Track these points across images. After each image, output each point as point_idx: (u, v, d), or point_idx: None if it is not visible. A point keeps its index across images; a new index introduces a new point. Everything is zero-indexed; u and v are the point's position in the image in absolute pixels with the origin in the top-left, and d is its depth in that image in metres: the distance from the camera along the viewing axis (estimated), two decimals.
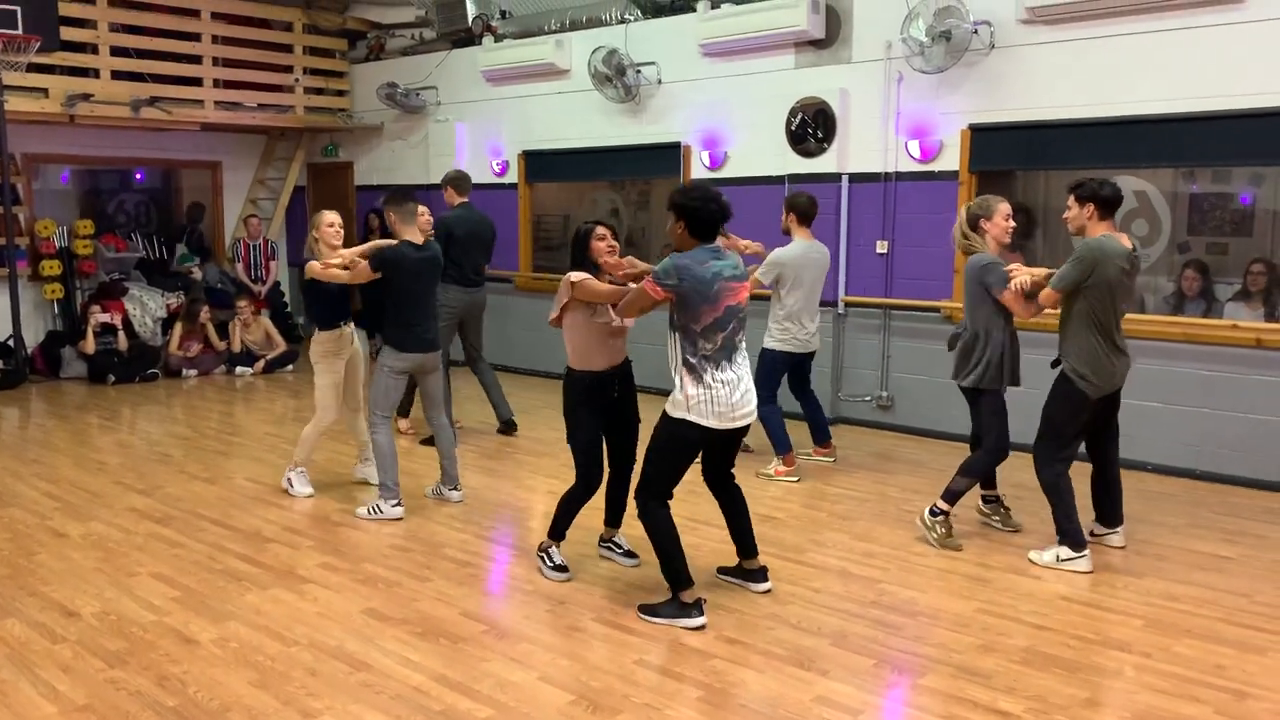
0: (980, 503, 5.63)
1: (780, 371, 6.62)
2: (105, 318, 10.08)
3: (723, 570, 4.79)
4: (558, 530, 4.82)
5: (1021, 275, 4.96)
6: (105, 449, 7.35)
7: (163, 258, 11.85)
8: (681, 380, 4.17)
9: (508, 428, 7.76)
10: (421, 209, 6.25)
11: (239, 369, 10.47)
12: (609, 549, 5.01)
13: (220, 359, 10.52)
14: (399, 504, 5.68)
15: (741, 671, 3.82)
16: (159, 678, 3.75)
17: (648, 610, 4.32)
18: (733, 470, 4.60)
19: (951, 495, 5.27)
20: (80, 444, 7.49)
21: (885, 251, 7.81)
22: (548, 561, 4.81)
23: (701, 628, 4.17)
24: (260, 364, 10.48)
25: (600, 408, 4.66)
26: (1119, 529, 5.24)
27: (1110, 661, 3.93)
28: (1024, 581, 4.76)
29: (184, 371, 10.28)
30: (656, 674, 3.79)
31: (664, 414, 4.26)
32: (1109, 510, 5.24)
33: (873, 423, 7.98)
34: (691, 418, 4.14)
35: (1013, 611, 4.39)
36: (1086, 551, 4.89)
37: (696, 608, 4.23)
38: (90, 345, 9.94)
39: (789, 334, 6.46)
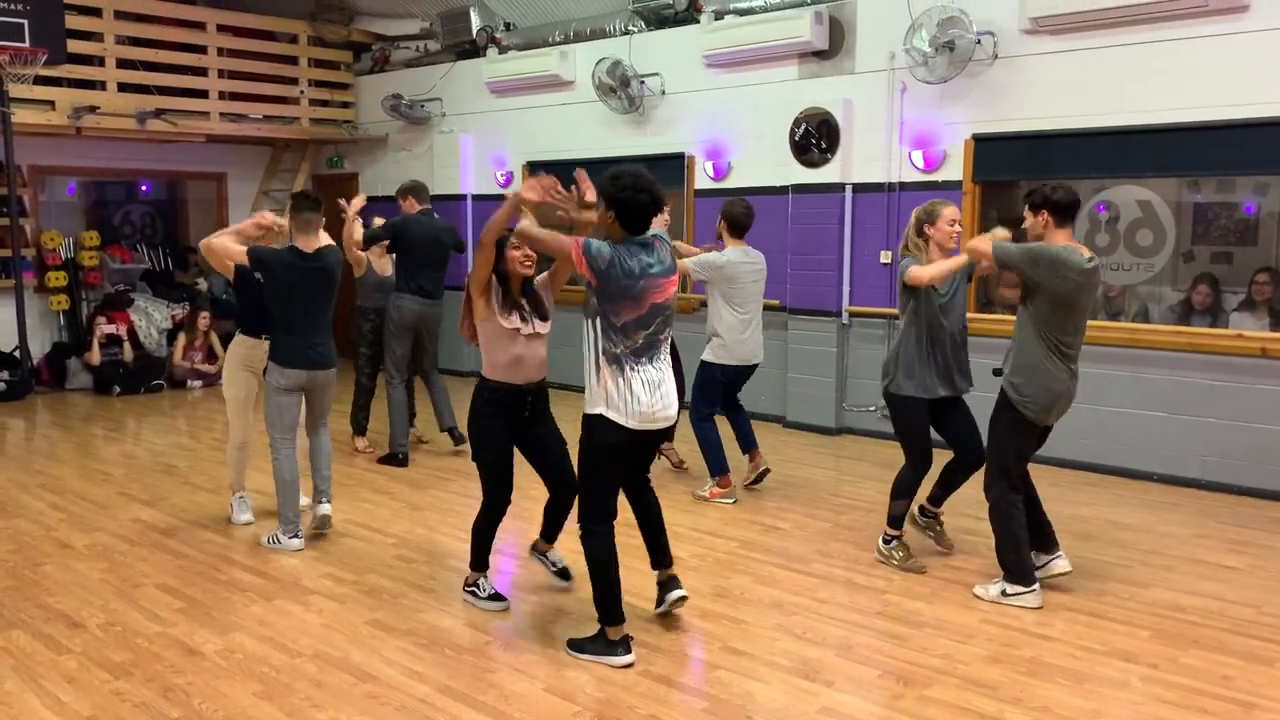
0: (917, 512, 5.36)
1: (720, 386, 6.26)
2: (111, 329, 10.12)
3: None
4: (478, 561, 4.58)
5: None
6: (110, 460, 7.36)
7: (168, 269, 11.88)
8: (599, 373, 3.89)
9: (452, 436, 7.44)
10: (269, 219, 5.76)
11: None
12: (541, 559, 4.84)
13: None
14: (298, 536, 5.31)
15: (747, 683, 3.81)
16: (164, 689, 3.74)
17: (574, 645, 4.05)
18: (648, 477, 4.37)
19: (893, 520, 5.12)
20: (85, 455, 7.50)
21: (889, 262, 7.81)
22: (479, 594, 4.55)
23: (629, 665, 3.92)
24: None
25: (510, 425, 4.38)
26: (1059, 553, 4.81)
27: (1116, 672, 3.91)
28: None
29: (189, 382, 10.30)
30: (661, 685, 3.78)
31: (583, 418, 3.97)
32: (1040, 534, 4.80)
33: (877, 433, 7.97)
34: (610, 414, 3.87)
35: (1018, 622, 4.38)
36: (1036, 586, 4.57)
37: (624, 645, 3.97)
38: (96, 356, 9.97)
39: (727, 346, 6.14)
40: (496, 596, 4.56)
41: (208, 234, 5.75)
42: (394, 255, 7.28)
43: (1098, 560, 5.16)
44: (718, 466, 6.27)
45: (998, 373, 4.67)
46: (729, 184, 8.67)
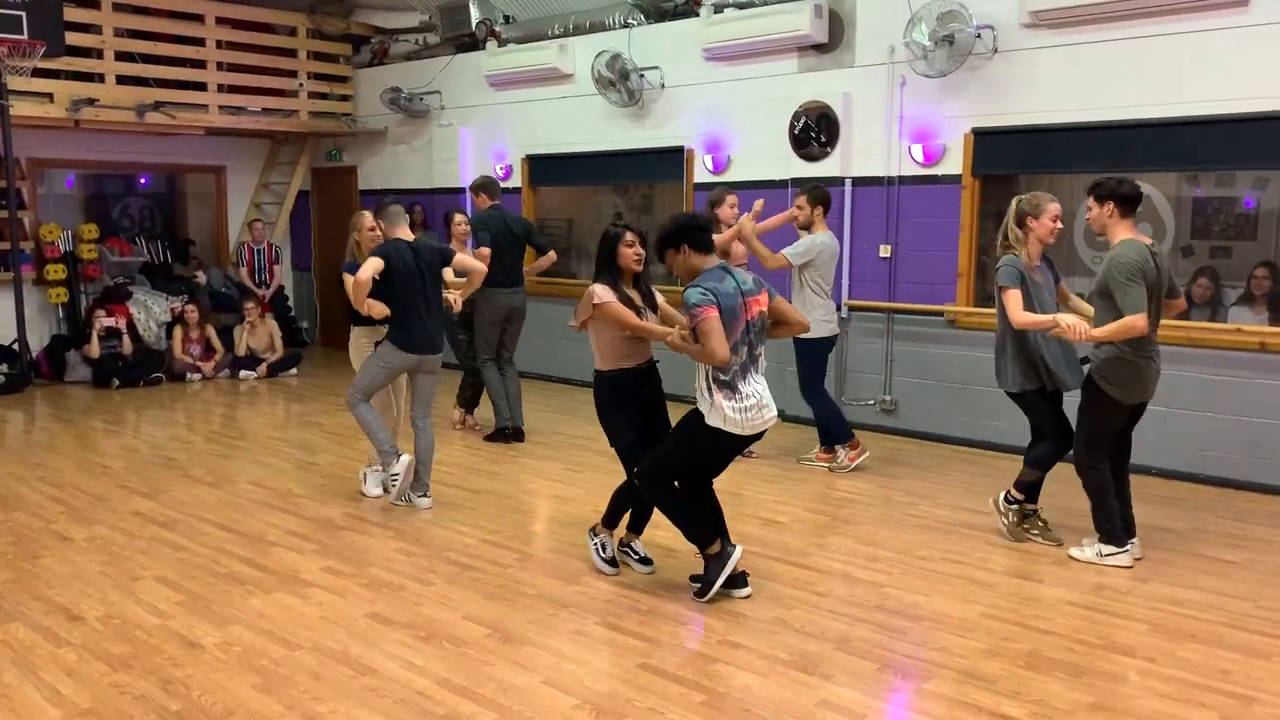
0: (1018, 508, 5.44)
1: (823, 359, 6.76)
2: (110, 322, 10.11)
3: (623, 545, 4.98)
4: (611, 519, 4.91)
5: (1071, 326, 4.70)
6: (109, 453, 7.36)
7: (167, 262, 11.87)
8: (712, 395, 4.27)
9: (515, 435, 7.68)
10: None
11: (243, 373, 10.49)
12: (626, 553, 4.98)
13: (224, 362, 10.55)
14: (399, 456, 5.73)
15: (745, 676, 3.81)
16: (163, 682, 3.75)
17: (700, 593, 4.49)
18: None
19: (1021, 485, 5.34)
20: (84, 448, 7.50)
21: (889, 255, 7.81)
22: (601, 552, 4.91)
23: (737, 565, 4.46)
24: (264, 368, 10.50)
25: (632, 407, 4.72)
26: (1134, 540, 5.08)
27: (1115, 666, 3.92)
28: (1028, 586, 4.75)
29: (188, 375, 10.30)
30: (660, 678, 3.79)
31: (697, 413, 4.35)
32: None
33: (876, 426, 7.97)
34: (726, 428, 4.27)
35: (1017, 616, 4.39)
36: (1128, 546, 4.96)
37: (730, 548, 4.45)
38: (95, 349, 9.96)
39: (823, 320, 6.56)
40: (614, 561, 4.89)
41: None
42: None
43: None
44: (844, 433, 6.73)
45: (1085, 361, 4.95)
46: (728, 177, 8.66)
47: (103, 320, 10.07)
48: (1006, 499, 5.39)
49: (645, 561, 4.94)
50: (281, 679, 3.77)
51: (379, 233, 5.99)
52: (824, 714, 3.52)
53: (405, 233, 5.83)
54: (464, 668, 3.87)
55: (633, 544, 5.00)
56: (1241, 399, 6.37)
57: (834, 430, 6.78)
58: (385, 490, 6.01)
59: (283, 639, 4.12)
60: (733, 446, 4.46)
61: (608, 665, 3.92)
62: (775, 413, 4.44)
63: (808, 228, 6.63)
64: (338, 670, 3.85)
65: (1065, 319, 4.72)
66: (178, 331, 10.45)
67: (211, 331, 10.57)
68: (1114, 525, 4.97)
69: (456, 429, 8.01)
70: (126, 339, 10.16)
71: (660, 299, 4.78)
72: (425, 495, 5.96)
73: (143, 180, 12.68)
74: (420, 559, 5.10)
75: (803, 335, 6.31)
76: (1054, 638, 4.16)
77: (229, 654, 3.99)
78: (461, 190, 10.72)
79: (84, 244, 10.61)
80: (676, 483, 4.55)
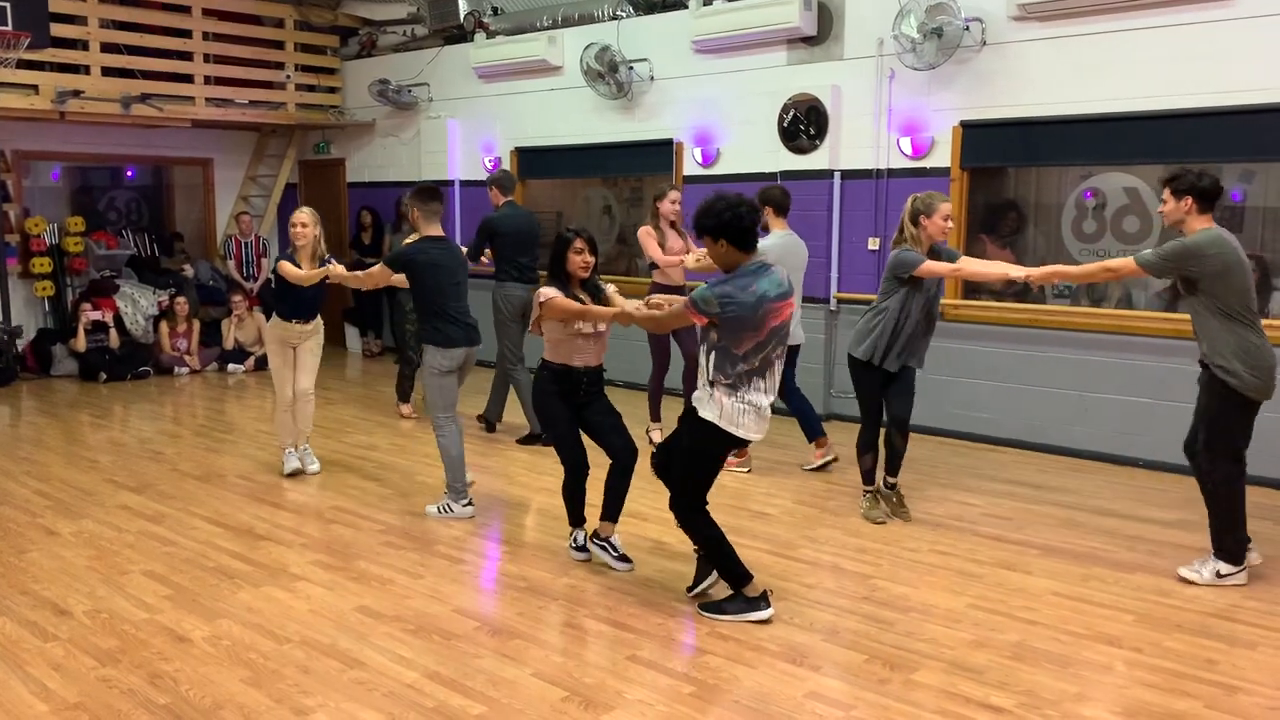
0: (880, 483, 5.72)
1: (790, 362, 6.65)
2: (97, 315, 10.06)
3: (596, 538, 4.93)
4: (575, 518, 4.98)
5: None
6: (97, 447, 7.33)
7: (154, 255, 11.82)
8: (714, 393, 4.11)
9: (489, 427, 7.72)
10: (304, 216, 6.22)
11: (231, 366, 10.46)
12: (602, 547, 4.88)
13: (211, 355, 10.52)
14: (470, 503, 5.69)
15: (734, 667, 3.82)
16: (151, 676, 3.74)
17: (711, 608, 4.31)
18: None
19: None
20: (71, 442, 7.47)
21: (877, 248, 7.82)
22: (572, 544, 5.00)
23: (769, 619, 4.22)
24: (251, 361, 10.46)
25: (569, 402, 4.80)
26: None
27: (1101, 656, 3.94)
28: (1015, 577, 4.77)
29: (176, 369, 10.26)
30: (649, 670, 3.80)
31: (692, 413, 4.19)
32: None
33: None
34: (723, 425, 4.11)
35: (1004, 607, 4.41)
36: (1245, 566, 4.68)
37: (764, 600, 4.24)
38: (81, 343, 9.92)
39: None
40: (583, 548, 4.95)
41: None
42: (490, 248, 7.55)
43: (1083, 545, 5.19)
44: (816, 429, 6.70)
45: (1204, 365, 4.73)
46: (718, 170, 8.66)
47: (89, 314, 10.02)
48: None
49: (623, 559, 4.84)
50: (270, 672, 3.77)
51: (300, 230, 6.10)
52: (812, 705, 3.53)
53: (437, 229, 5.67)
54: (453, 660, 3.87)
55: (610, 539, 4.87)
56: None
57: (810, 428, 6.73)
58: (442, 511, 5.72)
59: (271, 632, 4.12)
60: (726, 449, 4.30)
61: (597, 657, 3.92)
62: (767, 424, 4.24)
63: (765, 229, 6.49)
64: (327, 664, 3.84)
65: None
66: (164, 324, 10.42)
67: (196, 325, 10.54)
68: (1240, 542, 4.67)
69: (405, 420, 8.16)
70: (113, 332, 10.11)
71: (612, 290, 4.85)
72: (470, 503, 5.73)
73: (129, 173, 12.60)
74: (409, 552, 5.10)
75: None
76: (1041, 628, 4.19)
77: (218, 648, 3.98)
78: (450, 182, 10.69)
79: (70, 237, 10.54)
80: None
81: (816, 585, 4.67)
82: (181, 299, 10.53)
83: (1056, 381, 7.11)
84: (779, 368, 4.20)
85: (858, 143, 7.83)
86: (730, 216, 4.02)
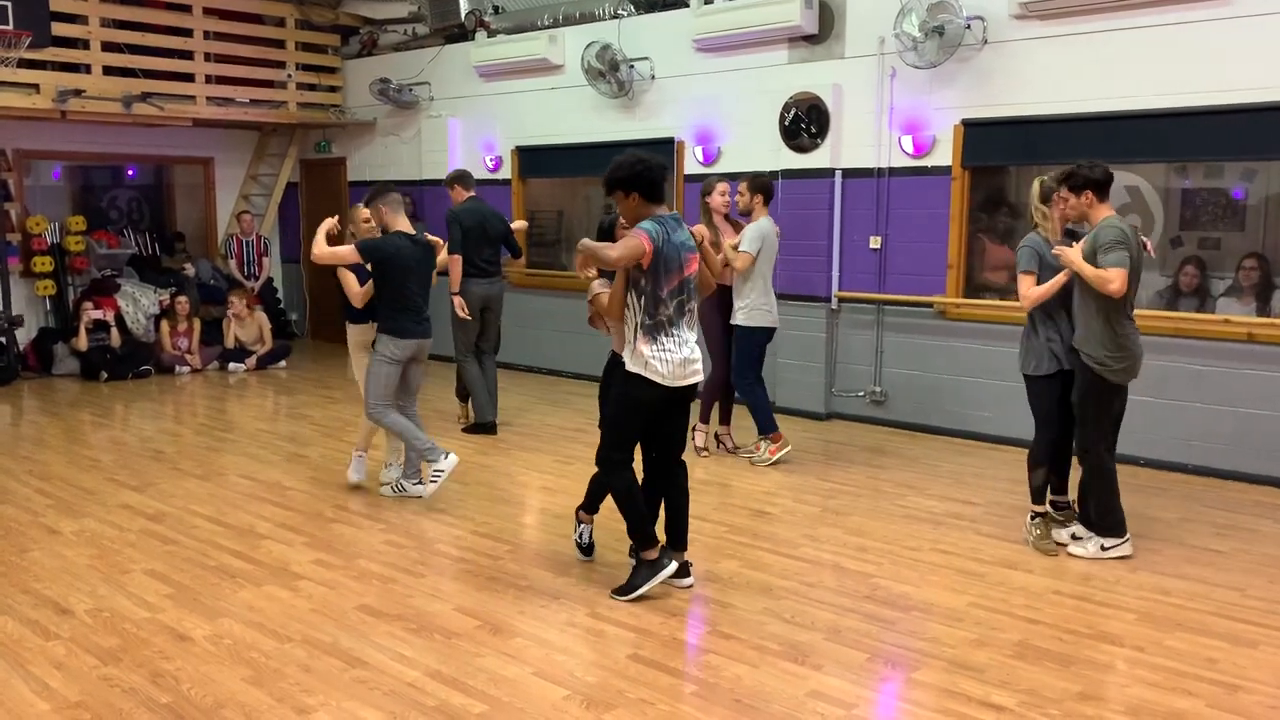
0: (1051, 508, 5.30)
1: (762, 348, 6.69)
2: (98, 314, 10.06)
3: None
4: (591, 504, 4.94)
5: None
6: (98, 446, 7.33)
7: (155, 254, 11.82)
8: (637, 341, 4.30)
9: (488, 429, 7.64)
10: (365, 213, 6.03)
11: (232, 365, 10.46)
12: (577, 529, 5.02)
13: (212, 354, 10.52)
14: (446, 454, 5.68)
15: (735, 666, 3.82)
16: (152, 675, 3.74)
17: (622, 591, 4.43)
18: (683, 459, 4.72)
19: (1033, 492, 5.20)
20: (73, 441, 7.47)
21: (879, 247, 7.81)
22: (580, 539, 4.98)
23: (679, 571, 4.47)
24: (252, 360, 10.47)
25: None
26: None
27: (1102, 655, 3.94)
28: (1016, 575, 4.77)
29: (177, 368, 10.26)
30: (650, 669, 3.80)
31: (621, 370, 4.39)
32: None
33: (866, 418, 7.99)
34: (647, 374, 4.29)
35: (1005, 606, 4.41)
36: (1128, 536, 4.97)
37: (666, 557, 4.43)
38: (83, 342, 9.92)
39: (765, 309, 6.57)
40: (589, 549, 4.93)
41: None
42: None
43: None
44: (768, 424, 6.66)
45: (1074, 351, 4.92)
46: (719, 169, 8.65)
47: (91, 313, 10.02)
48: (1030, 517, 5.22)
49: (587, 550, 4.95)
50: (272, 671, 3.77)
51: (374, 224, 5.94)
52: (814, 704, 3.53)
53: (404, 224, 5.78)
54: (454, 659, 3.87)
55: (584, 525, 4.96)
56: (1229, 389, 6.40)
57: (759, 421, 6.73)
58: (395, 489, 6.00)
59: (273, 631, 4.12)
60: (659, 400, 4.36)
61: (598, 656, 3.92)
62: (701, 371, 4.43)
63: (748, 214, 6.65)
64: (328, 662, 3.84)
65: None
66: (165, 324, 10.42)
67: (197, 322, 10.54)
68: (1117, 516, 4.98)
69: None
70: (115, 331, 10.11)
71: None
72: (420, 482, 5.96)
73: (130, 172, 12.60)
74: (410, 551, 5.10)
75: (740, 322, 6.57)
76: (1042, 627, 4.18)
77: (219, 646, 3.98)
78: None
79: (71, 236, 10.54)
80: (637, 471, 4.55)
81: (818, 584, 4.67)
82: (183, 298, 10.54)
83: None
84: (693, 319, 4.43)
85: (859, 141, 7.83)
86: (642, 168, 4.32)
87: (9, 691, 3.62)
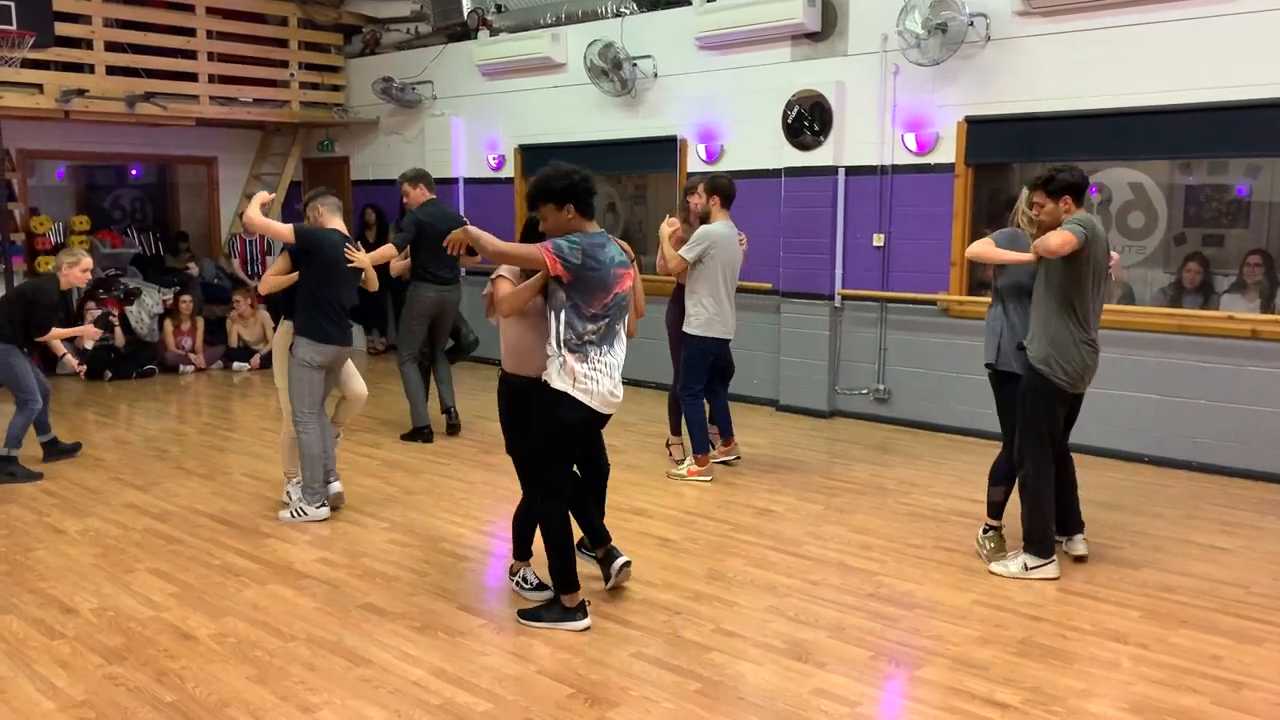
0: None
1: (708, 360, 6.28)
2: (101, 314, 10.06)
3: (583, 548, 4.61)
4: (521, 550, 4.62)
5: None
6: (102, 445, 7.34)
7: (159, 253, 11.83)
8: (564, 359, 3.98)
9: (425, 436, 7.39)
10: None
11: (236, 364, 10.47)
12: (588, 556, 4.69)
13: (216, 354, 10.53)
14: (324, 504, 5.53)
15: (739, 664, 3.82)
16: (157, 673, 3.75)
17: (529, 615, 4.19)
18: (604, 452, 4.60)
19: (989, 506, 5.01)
20: (77, 440, 7.48)
21: (882, 244, 7.81)
22: (525, 585, 4.56)
23: (586, 629, 4.11)
24: (256, 359, 10.48)
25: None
26: (1079, 535, 4.93)
27: (1106, 653, 3.93)
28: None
29: (181, 367, 10.28)
30: (654, 667, 3.80)
31: (546, 393, 4.02)
32: (1066, 515, 4.89)
33: (870, 415, 7.99)
34: (576, 394, 3.97)
35: (1009, 603, 4.40)
36: (1054, 557, 4.69)
37: (581, 610, 4.14)
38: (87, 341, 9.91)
39: (713, 317, 6.18)
40: (541, 586, 4.46)
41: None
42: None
43: (1089, 541, 5.18)
44: (701, 445, 6.31)
45: (1021, 347, 4.67)
46: (721, 167, 8.65)
47: (94, 312, 10.03)
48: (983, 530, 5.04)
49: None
50: (276, 670, 3.78)
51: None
52: (818, 702, 3.53)
53: (339, 224, 5.58)
54: (459, 658, 3.88)
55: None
56: (1233, 386, 6.39)
57: (694, 438, 6.30)
58: (293, 515, 5.59)
59: (277, 630, 4.13)
60: (588, 421, 4.08)
61: (602, 655, 3.92)
62: (620, 398, 4.11)
63: (706, 219, 6.26)
64: (332, 661, 3.85)
65: None
66: (169, 323, 10.43)
67: (199, 321, 10.54)
68: (1047, 532, 4.69)
69: None
70: (119, 331, 10.12)
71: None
72: (323, 505, 5.60)
73: (134, 171, 12.62)
74: (414, 550, 5.10)
75: (688, 330, 6.20)
76: (1046, 625, 4.18)
77: (223, 645, 3.99)
78: (454, 180, 10.70)
79: (75, 235, 10.57)
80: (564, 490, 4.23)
81: (822, 582, 4.66)
82: (186, 297, 10.55)
83: None
84: (623, 339, 4.15)
85: (862, 139, 7.82)
86: (579, 179, 3.96)
87: (15, 690, 3.63)
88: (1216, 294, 7.00)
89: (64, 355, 7.18)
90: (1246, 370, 6.35)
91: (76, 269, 6.53)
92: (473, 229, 4.07)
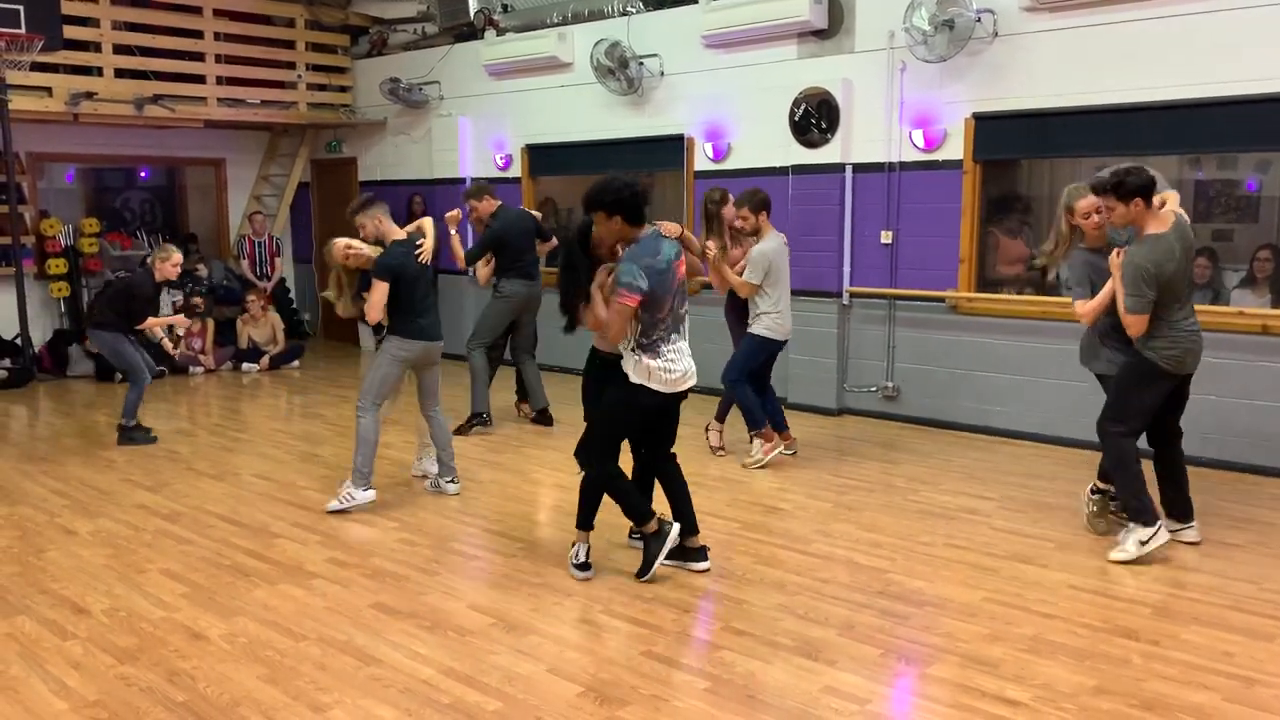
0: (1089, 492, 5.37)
1: (762, 357, 6.59)
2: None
3: (634, 534, 4.93)
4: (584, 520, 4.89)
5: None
6: (113, 446, 7.37)
7: None
8: (639, 359, 4.40)
9: (542, 417, 7.85)
10: (342, 243, 5.83)
11: (245, 365, 10.50)
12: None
13: (226, 355, 10.57)
14: (370, 488, 5.75)
15: (749, 662, 3.82)
16: (169, 673, 3.76)
17: (641, 571, 4.58)
18: (673, 449, 4.83)
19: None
20: (88, 442, 7.51)
21: (890, 242, 7.80)
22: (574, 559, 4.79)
23: (694, 557, 4.68)
24: (266, 360, 10.51)
25: None
26: (1192, 523, 5.12)
27: (1118, 650, 3.92)
28: (1030, 570, 4.75)
29: (190, 369, 10.31)
30: (664, 665, 3.80)
31: (620, 377, 4.45)
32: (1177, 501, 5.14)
33: (878, 413, 7.97)
34: (651, 384, 4.40)
35: (1020, 600, 4.39)
36: (1160, 523, 4.85)
37: (667, 525, 4.58)
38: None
39: (779, 323, 6.50)
40: (585, 565, 4.73)
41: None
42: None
43: (1100, 538, 5.17)
44: (758, 420, 6.59)
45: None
46: (729, 165, 8.65)
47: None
48: (1091, 489, 5.31)
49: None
50: (287, 669, 3.79)
51: (367, 237, 5.82)
52: (828, 700, 3.53)
53: (397, 231, 5.79)
54: (468, 657, 3.88)
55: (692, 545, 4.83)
56: (1244, 381, 6.36)
57: (752, 417, 6.59)
58: (341, 501, 5.72)
59: (288, 630, 4.14)
60: (659, 405, 4.52)
61: (612, 653, 3.93)
62: (695, 374, 4.54)
63: (756, 234, 6.48)
64: (343, 660, 3.86)
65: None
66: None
67: (209, 323, 10.57)
68: (1142, 500, 4.85)
69: None
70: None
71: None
72: (454, 480, 6.07)
73: (143, 173, 12.67)
74: (424, 549, 5.11)
75: (754, 330, 6.50)
76: (1057, 621, 4.17)
77: (234, 645, 4.00)
78: (462, 180, 10.71)
79: (85, 238, 10.62)
80: (627, 465, 4.67)
81: (831, 580, 4.66)
82: (196, 299, 10.57)
83: (1071, 375, 7.05)
84: (685, 324, 4.64)
85: (869, 136, 7.81)
86: (629, 193, 4.37)
87: (27, 690, 3.65)
88: (1227, 289, 6.98)
89: (161, 339, 8.07)
90: (1257, 365, 6.32)
91: (168, 264, 7.31)
92: (599, 304, 4.42)
